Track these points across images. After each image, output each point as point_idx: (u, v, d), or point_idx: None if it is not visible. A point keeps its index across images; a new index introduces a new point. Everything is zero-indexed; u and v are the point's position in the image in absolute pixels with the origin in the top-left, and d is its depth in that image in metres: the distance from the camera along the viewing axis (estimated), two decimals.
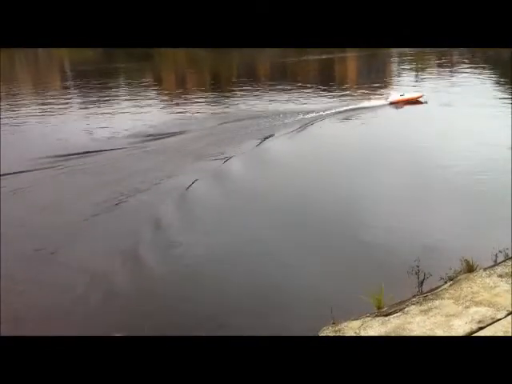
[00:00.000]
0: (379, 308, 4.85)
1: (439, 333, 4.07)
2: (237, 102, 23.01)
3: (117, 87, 29.80)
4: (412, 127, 18.02)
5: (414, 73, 31.66)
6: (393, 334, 4.14)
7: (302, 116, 19.41)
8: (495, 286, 4.75)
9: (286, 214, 11.00)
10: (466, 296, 4.64)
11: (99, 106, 23.30)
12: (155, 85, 31.19)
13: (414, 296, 5.01)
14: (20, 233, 10.51)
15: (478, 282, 4.90)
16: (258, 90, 25.79)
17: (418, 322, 4.29)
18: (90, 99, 25.28)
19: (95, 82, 30.82)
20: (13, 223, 10.73)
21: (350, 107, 20.63)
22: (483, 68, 30.16)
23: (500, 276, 4.95)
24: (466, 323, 4.15)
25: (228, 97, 25.27)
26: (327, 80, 29.88)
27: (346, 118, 19.44)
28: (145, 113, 21.53)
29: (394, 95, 21.84)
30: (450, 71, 30.68)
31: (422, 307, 4.57)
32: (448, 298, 4.66)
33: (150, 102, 24.25)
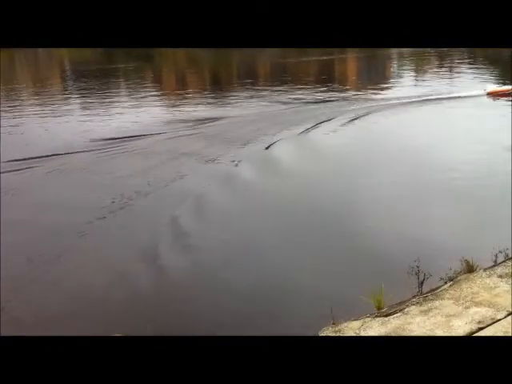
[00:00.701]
0: (379, 308, 4.85)
1: (439, 333, 4.07)
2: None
3: (112, 88, 29.79)
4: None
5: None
6: (393, 335, 4.14)
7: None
8: (495, 287, 4.76)
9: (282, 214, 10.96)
10: (466, 296, 4.65)
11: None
12: (153, 85, 31.22)
13: (413, 296, 5.01)
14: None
15: (478, 282, 4.90)
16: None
17: (417, 323, 4.29)
18: (85, 100, 25.30)
19: (94, 83, 30.90)
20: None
21: (452, 95, 21.42)
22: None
23: (500, 276, 4.96)
24: (466, 323, 4.15)
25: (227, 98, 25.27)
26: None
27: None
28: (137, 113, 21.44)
29: (491, 86, 22.08)
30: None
31: (422, 307, 4.57)
32: (448, 299, 4.66)
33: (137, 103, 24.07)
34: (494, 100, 20.77)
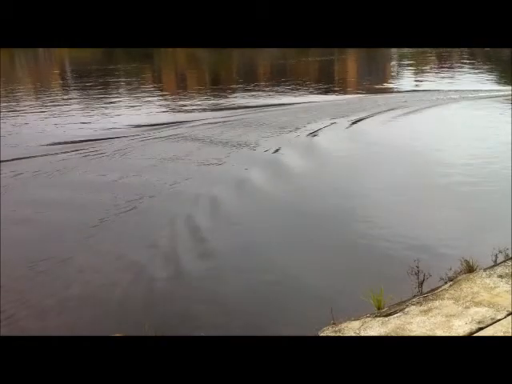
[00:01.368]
0: (379, 308, 4.85)
1: (439, 333, 4.07)
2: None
3: (108, 88, 29.72)
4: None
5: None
6: (393, 335, 4.14)
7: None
8: (495, 287, 4.76)
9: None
10: (466, 296, 4.65)
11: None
12: (152, 86, 31.18)
13: (414, 296, 5.01)
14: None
15: (478, 282, 4.90)
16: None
17: (417, 323, 4.29)
18: (84, 99, 25.22)
19: (92, 83, 30.85)
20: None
21: (496, 88, 21.61)
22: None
23: (500, 276, 4.96)
24: (466, 323, 4.15)
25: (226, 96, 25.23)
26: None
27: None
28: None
29: None
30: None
31: (422, 307, 4.57)
32: (448, 299, 4.66)
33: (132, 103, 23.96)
34: None
